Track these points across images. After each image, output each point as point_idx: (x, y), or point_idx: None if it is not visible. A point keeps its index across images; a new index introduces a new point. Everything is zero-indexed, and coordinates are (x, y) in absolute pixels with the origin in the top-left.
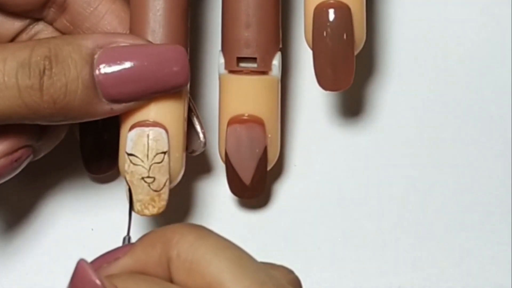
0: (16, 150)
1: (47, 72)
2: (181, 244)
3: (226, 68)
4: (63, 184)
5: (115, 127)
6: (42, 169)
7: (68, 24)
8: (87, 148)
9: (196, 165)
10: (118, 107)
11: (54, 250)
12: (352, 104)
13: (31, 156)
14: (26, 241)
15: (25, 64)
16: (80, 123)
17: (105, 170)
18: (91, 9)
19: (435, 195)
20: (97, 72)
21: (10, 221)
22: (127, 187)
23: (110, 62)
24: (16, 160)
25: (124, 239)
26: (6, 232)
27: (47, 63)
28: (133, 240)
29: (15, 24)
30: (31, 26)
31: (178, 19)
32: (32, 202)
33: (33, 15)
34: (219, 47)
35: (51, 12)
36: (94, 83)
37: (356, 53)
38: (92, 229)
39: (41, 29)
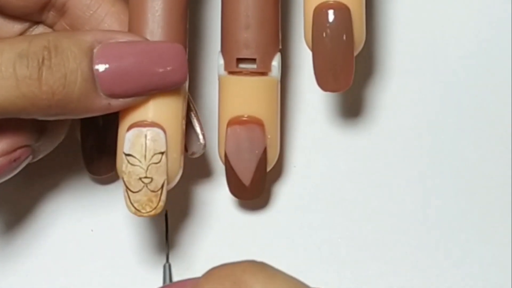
0: (15, 150)
1: (46, 63)
2: (253, 284)
3: (225, 69)
4: (64, 185)
5: (117, 128)
6: (43, 170)
7: (68, 28)
8: (88, 149)
9: (196, 166)
10: (116, 103)
11: (54, 251)
12: (352, 105)
13: (30, 157)
14: (26, 242)
15: (24, 55)
16: (82, 124)
17: (106, 172)
18: (91, 12)
19: (435, 196)
20: (95, 66)
21: (10, 222)
22: (124, 186)
23: (108, 56)
24: (15, 160)
25: (164, 266)
26: (6, 233)
27: (46, 53)
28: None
29: (14, 27)
30: (30, 29)
31: (177, 20)
32: (32, 203)
33: (32, 18)
34: (219, 48)
35: (50, 16)
36: (93, 77)
37: (355, 54)
38: (92, 230)
39: (41, 32)
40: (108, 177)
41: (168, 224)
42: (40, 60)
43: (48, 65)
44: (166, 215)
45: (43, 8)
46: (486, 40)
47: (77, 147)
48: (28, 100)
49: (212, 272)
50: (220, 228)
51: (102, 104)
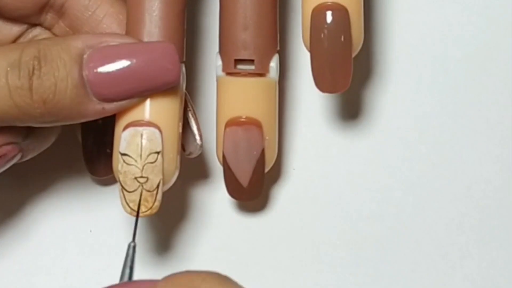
0: (1, 146)
1: (36, 72)
2: None
3: (223, 70)
4: (63, 185)
5: None
6: (43, 170)
7: (67, 29)
8: (89, 150)
9: (194, 167)
10: (110, 107)
11: (52, 251)
12: (350, 106)
13: (19, 156)
14: (24, 242)
15: (15, 65)
16: (82, 124)
17: (106, 173)
18: (89, 13)
19: (434, 198)
20: (86, 71)
21: (8, 222)
22: (120, 186)
23: (99, 61)
24: (1, 156)
25: (129, 245)
26: (4, 233)
27: (36, 63)
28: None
29: (12, 29)
30: (29, 31)
31: (175, 20)
32: (31, 203)
33: (30, 20)
34: (217, 49)
35: (49, 17)
36: (84, 83)
37: (354, 55)
38: (91, 231)
39: (39, 34)
40: (109, 178)
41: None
42: (31, 70)
43: (38, 75)
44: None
45: (41, 9)
46: (486, 40)
47: (78, 148)
48: (21, 109)
49: (172, 278)
50: (218, 230)
51: (96, 108)
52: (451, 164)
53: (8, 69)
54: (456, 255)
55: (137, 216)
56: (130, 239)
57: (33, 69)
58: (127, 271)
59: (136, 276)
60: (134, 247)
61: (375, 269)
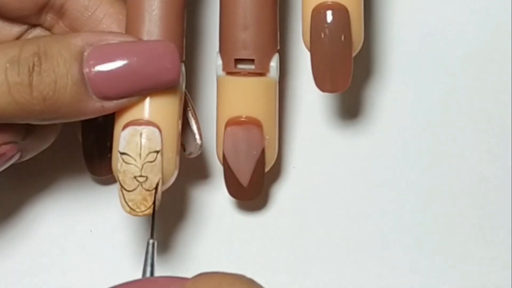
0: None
1: (36, 69)
2: None
3: (223, 69)
4: (63, 185)
5: None
6: (43, 169)
7: (67, 29)
8: (89, 149)
9: (194, 167)
10: (109, 105)
11: (52, 251)
12: (350, 106)
13: (18, 155)
14: (24, 242)
15: (15, 61)
16: (83, 124)
17: (107, 172)
18: (89, 13)
19: (434, 197)
20: (86, 69)
21: (8, 222)
22: (119, 185)
23: (99, 59)
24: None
25: (148, 243)
26: (3, 233)
27: (36, 59)
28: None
29: (12, 30)
30: (29, 31)
31: (174, 19)
32: (31, 203)
33: (30, 21)
34: (217, 49)
35: (48, 18)
36: (84, 80)
37: (354, 54)
38: (91, 231)
39: (39, 34)
40: (109, 178)
41: (156, 201)
42: (31, 66)
43: (38, 71)
44: (156, 188)
45: (41, 10)
46: (486, 40)
47: (78, 147)
48: (20, 106)
49: (201, 279)
50: (219, 229)
51: (95, 106)
52: (451, 163)
53: (7, 65)
54: (456, 255)
55: (153, 213)
56: (130, 239)
57: (33, 65)
58: (148, 269)
59: (139, 274)
60: (153, 244)
61: (375, 268)
